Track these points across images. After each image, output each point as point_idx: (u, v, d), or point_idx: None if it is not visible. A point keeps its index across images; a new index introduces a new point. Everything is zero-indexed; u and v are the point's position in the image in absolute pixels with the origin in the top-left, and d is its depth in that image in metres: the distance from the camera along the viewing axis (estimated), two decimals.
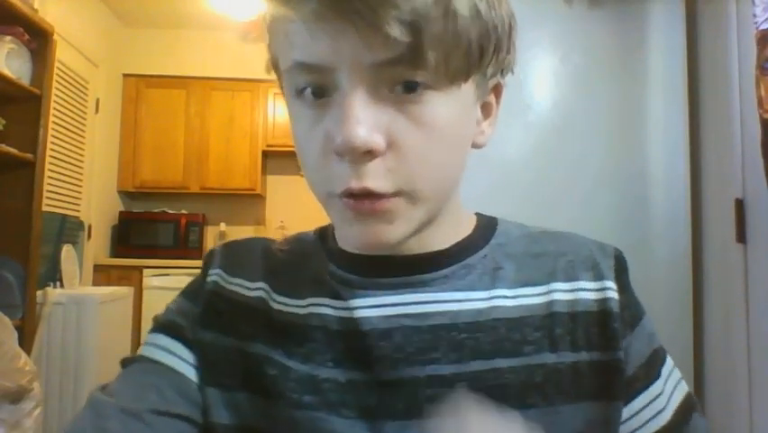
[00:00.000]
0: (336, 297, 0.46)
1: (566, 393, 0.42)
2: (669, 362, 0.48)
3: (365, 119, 0.37)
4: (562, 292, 0.46)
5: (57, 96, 2.91)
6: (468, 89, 0.41)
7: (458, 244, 0.47)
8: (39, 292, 2.47)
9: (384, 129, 0.37)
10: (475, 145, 0.45)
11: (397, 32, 0.35)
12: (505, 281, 0.46)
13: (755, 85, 1.14)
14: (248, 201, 4.10)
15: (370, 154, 0.37)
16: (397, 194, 0.39)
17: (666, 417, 0.46)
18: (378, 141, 0.37)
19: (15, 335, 1.96)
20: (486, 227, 0.50)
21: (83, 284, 3.26)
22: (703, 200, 1.50)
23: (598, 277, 0.46)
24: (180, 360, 0.47)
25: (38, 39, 2.37)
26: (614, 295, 0.45)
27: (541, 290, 0.46)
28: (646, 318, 0.48)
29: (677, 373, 0.48)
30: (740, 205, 1.32)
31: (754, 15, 1.14)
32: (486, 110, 0.46)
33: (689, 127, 1.51)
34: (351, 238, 0.41)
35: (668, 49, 1.53)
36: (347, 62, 0.37)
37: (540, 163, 1.48)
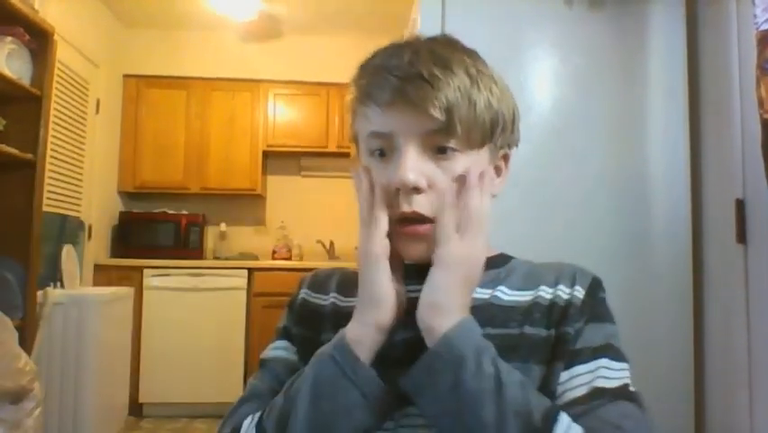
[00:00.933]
0: None
1: (534, 357, 0.59)
2: (623, 365, 0.59)
3: (414, 168, 0.58)
4: (545, 293, 0.63)
5: (57, 96, 2.91)
6: (483, 154, 0.62)
7: None
8: (39, 292, 2.47)
9: (426, 175, 0.58)
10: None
11: (438, 113, 0.57)
12: (506, 284, 0.65)
13: (756, 85, 1.14)
14: (248, 201, 4.09)
15: (416, 190, 0.58)
16: (434, 220, 0.58)
17: (594, 385, 0.57)
18: (422, 182, 0.58)
19: (16, 335, 1.96)
20: (504, 257, 0.69)
21: (83, 284, 3.26)
22: (703, 200, 1.50)
23: (573, 284, 0.63)
24: (289, 352, 0.70)
25: (38, 39, 2.36)
26: (580, 295, 0.62)
27: (531, 294, 0.63)
28: (612, 327, 0.62)
29: (624, 373, 0.59)
30: (740, 205, 1.32)
31: (755, 16, 1.14)
32: (497, 171, 0.67)
33: (689, 127, 1.51)
34: (405, 252, 0.61)
35: (668, 50, 1.53)
36: (404, 132, 0.59)
37: (540, 163, 1.48)
